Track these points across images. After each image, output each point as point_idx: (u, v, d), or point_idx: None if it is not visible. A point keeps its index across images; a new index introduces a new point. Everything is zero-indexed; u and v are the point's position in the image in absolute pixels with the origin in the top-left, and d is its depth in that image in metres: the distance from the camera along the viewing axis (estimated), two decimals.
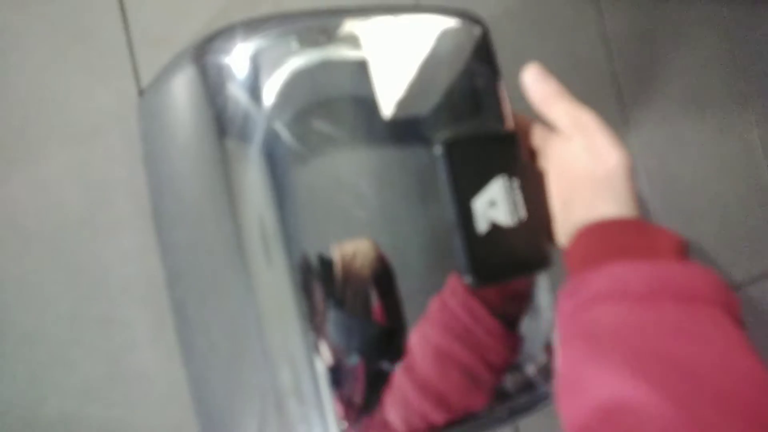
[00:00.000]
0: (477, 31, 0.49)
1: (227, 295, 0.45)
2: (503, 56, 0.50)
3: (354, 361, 0.41)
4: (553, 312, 0.48)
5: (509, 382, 0.46)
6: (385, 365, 0.42)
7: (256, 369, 0.44)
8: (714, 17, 0.96)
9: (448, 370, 0.42)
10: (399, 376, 0.42)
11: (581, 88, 0.81)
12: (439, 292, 0.43)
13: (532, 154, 0.47)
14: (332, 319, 0.41)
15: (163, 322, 0.49)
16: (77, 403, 0.46)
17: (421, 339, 0.42)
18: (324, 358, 0.41)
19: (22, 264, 0.45)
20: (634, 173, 0.42)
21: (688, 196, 0.89)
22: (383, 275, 0.42)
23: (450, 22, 0.48)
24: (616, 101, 0.83)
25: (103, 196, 0.48)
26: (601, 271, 0.37)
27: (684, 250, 0.39)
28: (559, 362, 0.37)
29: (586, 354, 0.34)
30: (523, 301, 0.47)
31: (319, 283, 0.40)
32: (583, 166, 0.42)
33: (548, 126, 0.46)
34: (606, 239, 0.39)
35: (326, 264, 0.41)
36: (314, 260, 0.41)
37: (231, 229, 0.43)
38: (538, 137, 0.47)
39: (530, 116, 0.47)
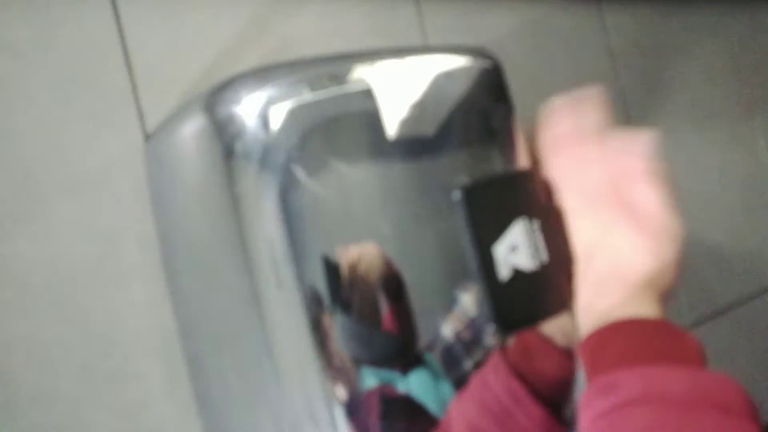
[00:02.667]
0: (489, 66, 0.48)
1: (243, 342, 0.44)
2: (508, 77, 0.49)
3: (369, 383, 0.40)
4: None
5: None
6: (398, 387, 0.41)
7: (275, 419, 0.43)
8: (717, 28, 0.95)
9: None
10: None
11: None
12: (481, 368, 0.42)
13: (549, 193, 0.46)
14: (341, 327, 0.40)
15: (178, 374, 0.48)
16: None
17: (458, 413, 0.41)
18: (342, 401, 0.40)
19: (30, 322, 0.44)
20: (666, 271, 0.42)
21: (697, 208, 0.88)
22: (391, 281, 0.41)
23: (461, 61, 0.47)
24: (623, 116, 0.82)
25: (111, 246, 0.47)
26: (640, 373, 0.37)
27: (704, 356, 0.39)
28: None
29: None
30: (569, 386, 0.46)
31: (330, 312, 0.40)
32: (616, 266, 0.43)
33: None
34: (639, 340, 0.39)
35: (332, 268, 0.40)
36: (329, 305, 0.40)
37: (244, 276, 0.42)
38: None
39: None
